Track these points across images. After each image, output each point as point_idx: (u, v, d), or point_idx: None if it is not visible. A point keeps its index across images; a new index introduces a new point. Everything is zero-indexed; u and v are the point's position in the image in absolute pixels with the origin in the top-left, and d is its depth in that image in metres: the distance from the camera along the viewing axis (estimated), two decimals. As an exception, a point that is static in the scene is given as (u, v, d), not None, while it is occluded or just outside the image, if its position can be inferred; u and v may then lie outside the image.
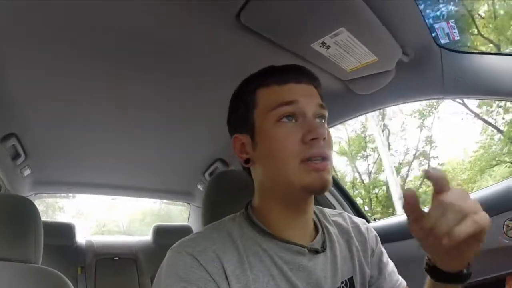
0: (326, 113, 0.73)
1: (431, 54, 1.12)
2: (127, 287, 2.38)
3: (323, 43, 1.00)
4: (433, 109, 10.15)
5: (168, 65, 1.20)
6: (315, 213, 0.80)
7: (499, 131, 8.83)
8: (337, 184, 1.86)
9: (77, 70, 1.20)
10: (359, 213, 1.84)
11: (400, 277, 0.87)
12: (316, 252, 0.73)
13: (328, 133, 0.69)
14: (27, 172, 1.87)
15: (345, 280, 0.76)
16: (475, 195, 1.30)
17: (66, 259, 2.27)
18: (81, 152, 1.90)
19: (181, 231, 2.59)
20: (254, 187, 0.77)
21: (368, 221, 1.65)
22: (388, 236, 1.33)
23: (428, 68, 1.14)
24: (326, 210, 0.87)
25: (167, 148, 1.92)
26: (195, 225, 2.68)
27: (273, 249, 0.70)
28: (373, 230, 0.88)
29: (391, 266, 0.87)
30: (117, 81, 1.29)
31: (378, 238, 0.88)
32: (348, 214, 0.89)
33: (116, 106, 1.47)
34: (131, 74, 1.24)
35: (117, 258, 2.47)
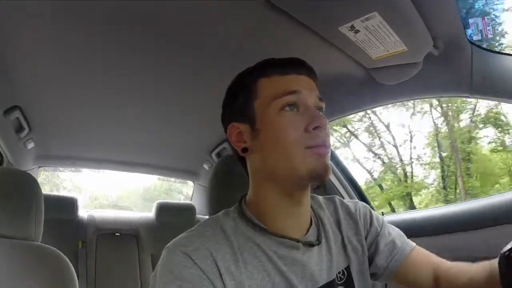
0: (324, 106, 0.75)
1: (462, 50, 1.06)
2: (127, 263, 2.38)
3: (352, 27, 0.96)
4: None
5: (180, 43, 1.17)
6: (311, 206, 0.80)
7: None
8: (343, 170, 1.83)
9: (84, 45, 1.17)
10: (365, 200, 1.82)
11: (405, 242, 0.85)
12: (311, 245, 0.73)
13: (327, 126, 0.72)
14: (30, 145, 1.87)
15: (342, 270, 0.77)
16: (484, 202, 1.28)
17: (67, 233, 2.27)
18: (86, 127, 1.89)
19: (184, 209, 2.61)
20: (249, 178, 0.77)
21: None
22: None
23: (456, 64, 1.10)
24: (320, 198, 0.87)
25: (174, 126, 1.91)
26: (199, 204, 2.69)
27: (267, 244, 0.70)
28: (365, 206, 0.88)
29: (392, 236, 0.85)
30: (126, 57, 1.26)
31: (372, 213, 0.87)
32: (340, 198, 0.89)
33: (124, 81, 1.44)
34: (141, 50, 1.21)
35: (118, 234, 2.46)
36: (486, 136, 7.18)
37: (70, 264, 1.09)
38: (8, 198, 1.06)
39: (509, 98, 1.09)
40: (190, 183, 2.89)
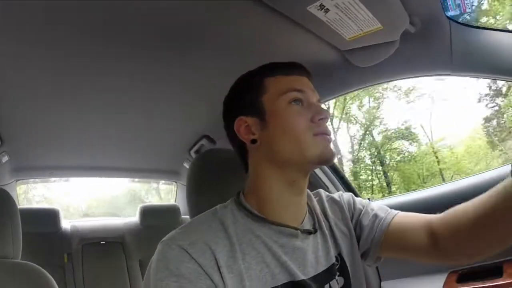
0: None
1: (440, 26, 1.01)
2: (115, 271, 2.32)
3: (321, 6, 0.89)
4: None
5: (152, 38, 1.08)
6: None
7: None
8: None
9: (56, 48, 1.07)
10: (352, 191, 1.78)
11: (388, 212, 0.86)
12: (309, 233, 0.77)
13: None
14: (5, 159, 1.78)
15: (336, 256, 0.80)
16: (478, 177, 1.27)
17: (51, 247, 2.19)
18: (61, 135, 1.78)
19: (169, 211, 2.57)
20: (249, 169, 0.80)
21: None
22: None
23: (435, 41, 1.04)
24: (308, 191, 0.89)
25: (151, 126, 1.81)
26: (182, 204, 2.62)
27: (267, 234, 0.73)
28: (349, 193, 0.94)
29: (374, 210, 0.87)
30: (99, 61, 1.17)
31: (355, 197, 0.92)
32: (323, 191, 0.94)
33: (96, 83, 1.33)
34: (114, 49, 1.11)
35: (104, 242, 2.39)
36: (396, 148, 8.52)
37: (52, 279, 1.06)
38: None
39: (490, 74, 1.05)
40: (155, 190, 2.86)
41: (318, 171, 1.71)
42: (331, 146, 0.76)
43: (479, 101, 7.23)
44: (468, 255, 0.76)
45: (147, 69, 1.27)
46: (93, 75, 1.27)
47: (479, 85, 7.06)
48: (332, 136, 0.78)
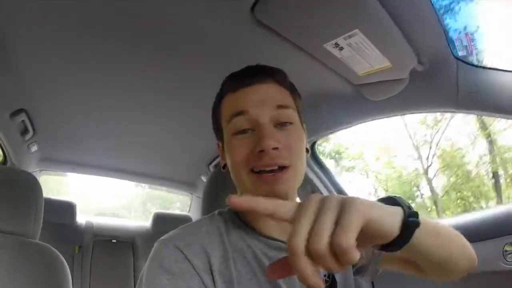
0: (291, 112, 0.71)
1: (447, 65, 1.08)
2: (122, 270, 2.40)
3: (336, 44, 0.98)
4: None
5: (180, 52, 1.18)
6: None
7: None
8: (320, 164, 1.82)
9: (89, 50, 1.19)
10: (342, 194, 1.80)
11: None
12: None
13: (296, 136, 0.70)
14: (34, 148, 1.89)
15: (327, 273, 0.77)
16: (473, 216, 1.28)
17: (65, 238, 2.29)
18: (89, 134, 1.91)
19: (181, 221, 2.57)
20: None
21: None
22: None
23: (442, 80, 1.10)
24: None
25: (175, 137, 1.92)
26: (196, 216, 2.66)
27: (257, 246, 0.71)
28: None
29: None
30: (130, 65, 1.27)
31: None
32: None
33: (127, 90, 1.46)
34: (144, 58, 1.23)
35: (115, 240, 2.48)
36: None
37: (65, 262, 1.11)
38: (9, 196, 1.10)
39: (495, 112, 1.10)
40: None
41: (310, 172, 1.75)
42: (280, 183, 0.65)
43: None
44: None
45: (175, 82, 1.37)
46: (125, 84, 1.40)
47: None
48: (286, 164, 0.66)
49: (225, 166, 0.76)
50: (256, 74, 0.73)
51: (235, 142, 0.69)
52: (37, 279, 1.04)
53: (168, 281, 0.61)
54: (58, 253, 1.12)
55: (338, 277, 0.78)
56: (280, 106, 0.70)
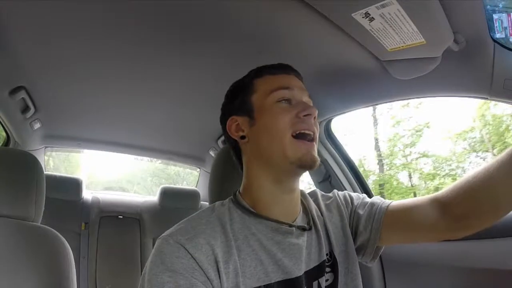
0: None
1: (484, 48, 0.98)
2: (129, 246, 2.41)
3: (366, 14, 0.89)
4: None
5: (189, 27, 1.12)
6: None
7: None
8: (349, 163, 1.77)
9: (91, 23, 1.12)
10: (367, 193, 1.75)
11: (381, 201, 0.88)
12: (303, 229, 0.79)
13: (316, 119, 0.80)
14: (37, 125, 1.86)
15: (328, 253, 0.83)
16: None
17: (71, 214, 2.31)
18: (93, 108, 1.86)
19: (189, 195, 2.62)
20: (243, 168, 0.85)
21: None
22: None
23: (477, 63, 1.02)
24: (303, 190, 0.92)
25: (182, 111, 1.87)
26: (202, 190, 2.68)
27: (263, 231, 0.75)
28: (344, 191, 0.96)
29: (371, 200, 0.90)
30: (133, 39, 1.20)
31: (352, 193, 0.95)
32: (319, 190, 0.96)
33: (131, 64, 1.39)
34: (149, 32, 1.16)
35: (122, 216, 2.48)
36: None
37: (68, 246, 1.09)
38: (8, 179, 1.06)
39: (533, 103, 1.02)
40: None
41: (337, 170, 1.71)
42: (314, 151, 0.77)
43: None
44: (481, 217, 0.74)
45: (183, 58, 1.31)
46: (132, 57, 1.33)
47: None
48: (316, 137, 0.79)
49: (243, 137, 0.82)
50: (291, 69, 0.86)
51: (279, 108, 0.78)
52: (39, 262, 1.01)
53: (170, 279, 0.62)
54: (60, 236, 1.09)
55: (338, 256, 0.82)
56: (309, 97, 0.84)
